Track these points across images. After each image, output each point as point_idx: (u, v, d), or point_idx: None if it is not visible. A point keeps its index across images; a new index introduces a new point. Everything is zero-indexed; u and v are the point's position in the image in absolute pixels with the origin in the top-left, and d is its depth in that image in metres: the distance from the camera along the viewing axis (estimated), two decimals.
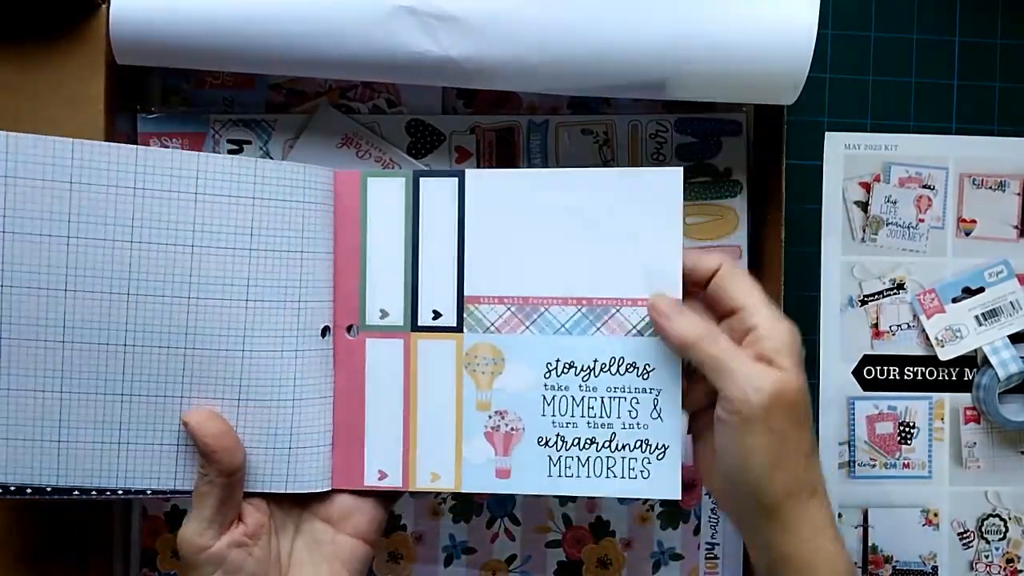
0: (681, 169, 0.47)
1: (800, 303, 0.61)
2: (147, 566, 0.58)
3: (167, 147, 0.56)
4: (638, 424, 0.48)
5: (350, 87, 0.58)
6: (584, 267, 0.48)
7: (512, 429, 0.48)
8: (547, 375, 0.48)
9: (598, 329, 0.48)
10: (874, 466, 0.61)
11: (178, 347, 0.46)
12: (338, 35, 0.51)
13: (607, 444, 0.48)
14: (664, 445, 0.48)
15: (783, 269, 0.56)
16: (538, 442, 0.48)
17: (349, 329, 0.49)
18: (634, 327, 0.48)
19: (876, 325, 0.61)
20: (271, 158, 0.57)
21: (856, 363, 0.61)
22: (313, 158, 0.57)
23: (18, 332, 0.44)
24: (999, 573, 0.62)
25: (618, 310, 0.48)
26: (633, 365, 0.48)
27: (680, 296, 0.47)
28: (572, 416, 0.48)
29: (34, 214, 0.43)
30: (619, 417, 0.48)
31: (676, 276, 0.47)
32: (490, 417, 0.48)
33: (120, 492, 0.46)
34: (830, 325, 0.61)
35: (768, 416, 0.43)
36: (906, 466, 0.62)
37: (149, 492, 0.47)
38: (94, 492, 0.46)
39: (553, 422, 0.48)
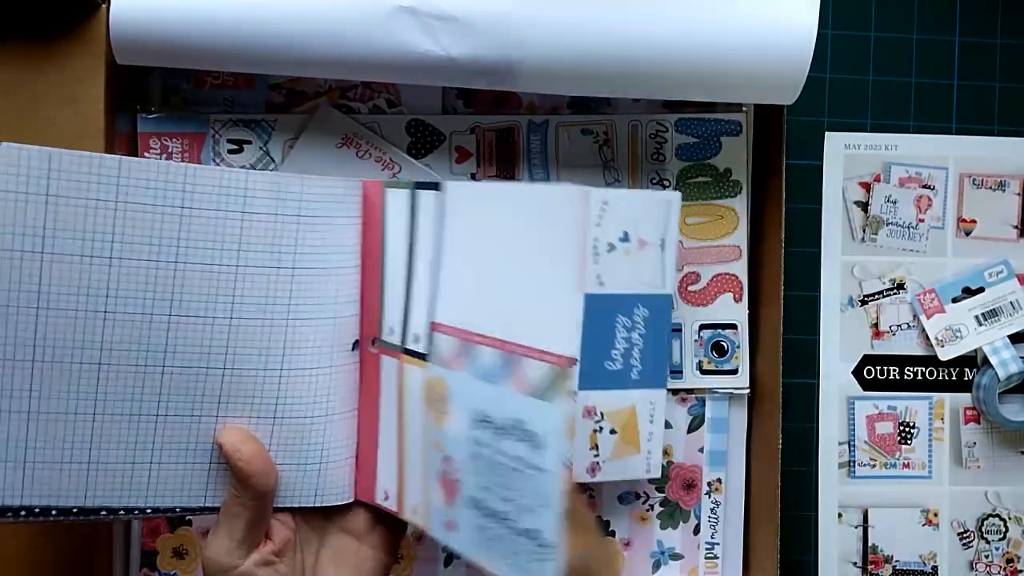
0: (588, 190, 0.39)
1: (800, 303, 0.61)
2: (147, 566, 0.58)
3: (167, 147, 0.56)
4: (530, 507, 0.39)
5: (350, 87, 0.58)
6: (499, 301, 0.41)
7: (454, 479, 0.42)
8: (472, 426, 0.41)
9: (508, 380, 0.40)
10: (874, 466, 0.61)
11: (216, 368, 0.45)
12: (338, 35, 0.51)
13: (506, 521, 0.40)
14: (552, 544, 0.38)
15: (783, 269, 0.56)
16: (470, 502, 0.42)
17: (373, 342, 0.48)
18: (533, 385, 0.39)
19: (876, 325, 0.61)
20: (271, 158, 0.57)
21: (856, 363, 0.61)
22: (313, 158, 0.57)
23: (53, 355, 0.43)
24: (999, 573, 0.62)
25: (524, 359, 0.39)
26: (530, 435, 0.39)
27: (576, 354, 0.38)
28: (488, 480, 0.41)
29: (75, 234, 0.42)
30: (519, 492, 0.39)
31: (572, 329, 0.38)
32: (443, 460, 0.43)
33: (149, 511, 0.46)
34: (830, 325, 0.61)
35: None
36: (906, 466, 0.62)
37: (178, 510, 0.46)
38: (121, 512, 0.45)
39: (476, 483, 0.41)
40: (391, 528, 0.49)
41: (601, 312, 0.50)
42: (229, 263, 0.44)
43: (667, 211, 0.51)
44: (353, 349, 0.48)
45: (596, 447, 0.52)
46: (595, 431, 0.52)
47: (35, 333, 0.42)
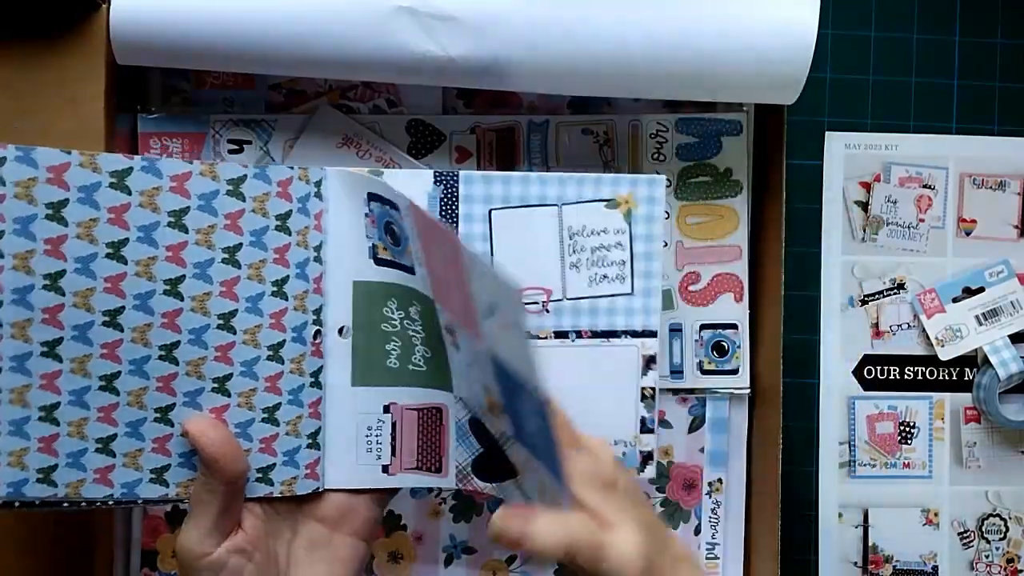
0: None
1: (800, 303, 0.61)
2: (147, 566, 0.58)
3: (167, 147, 0.56)
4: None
5: (350, 87, 0.58)
6: None
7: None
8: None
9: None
10: (874, 466, 0.61)
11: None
12: (338, 35, 0.51)
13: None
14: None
15: (783, 269, 0.56)
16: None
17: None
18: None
19: (876, 325, 0.61)
20: (271, 158, 0.57)
21: (856, 363, 0.61)
22: (313, 158, 0.57)
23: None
24: (999, 573, 0.62)
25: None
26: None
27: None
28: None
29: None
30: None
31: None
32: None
33: (111, 503, 0.46)
34: (830, 325, 0.61)
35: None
36: (906, 466, 0.62)
37: (140, 501, 0.46)
38: (83, 503, 0.45)
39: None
40: (368, 511, 0.49)
41: (511, 387, 0.42)
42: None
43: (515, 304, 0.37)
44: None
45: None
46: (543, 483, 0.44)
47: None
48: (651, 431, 0.51)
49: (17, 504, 0.44)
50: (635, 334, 0.51)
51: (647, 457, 0.51)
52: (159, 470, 0.46)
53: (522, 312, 0.37)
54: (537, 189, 0.50)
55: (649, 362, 0.51)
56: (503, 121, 0.58)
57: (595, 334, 0.51)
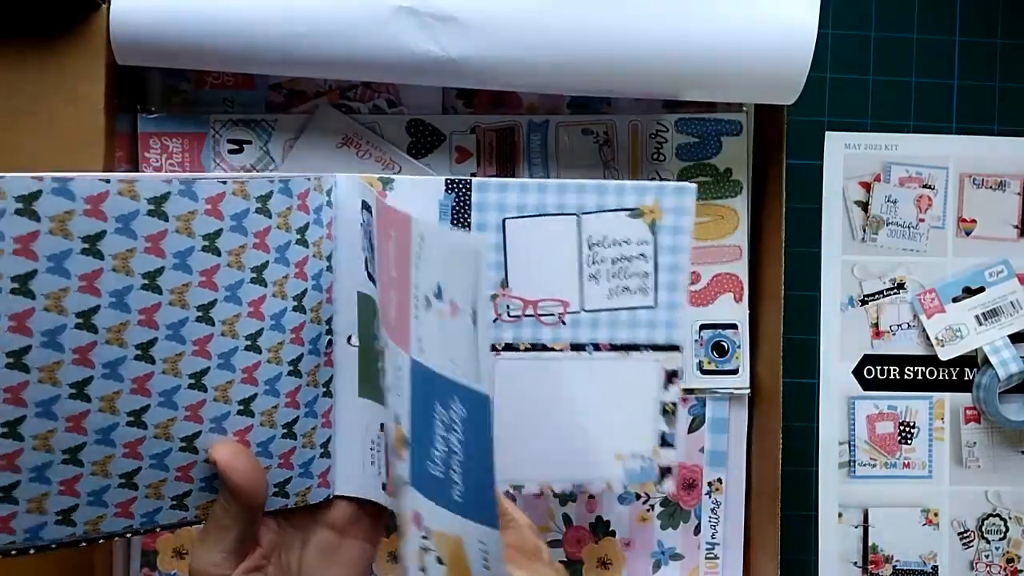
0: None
1: (800, 303, 0.61)
2: (147, 566, 0.58)
3: (167, 147, 0.56)
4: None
5: (350, 87, 0.58)
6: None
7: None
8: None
9: None
10: (874, 466, 0.61)
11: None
12: (338, 35, 0.51)
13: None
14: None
15: (783, 269, 0.56)
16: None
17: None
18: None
19: (876, 325, 0.61)
20: (271, 158, 0.57)
21: (856, 363, 0.61)
22: (313, 158, 0.57)
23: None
24: (999, 573, 0.62)
25: None
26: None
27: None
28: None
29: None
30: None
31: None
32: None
33: (128, 534, 0.44)
34: (830, 325, 0.61)
35: None
36: (906, 466, 0.62)
37: (159, 528, 0.45)
38: (101, 540, 0.44)
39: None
40: (373, 516, 0.49)
41: (423, 389, 0.39)
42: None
43: (475, 266, 0.36)
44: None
45: (424, 571, 0.40)
46: (422, 549, 0.40)
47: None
48: (671, 445, 0.50)
49: (32, 551, 0.42)
50: (657, 347, 0.50)
51: (665, 471, 0.51)
52: (180, 496, 0.45)
53: (483, 276, 0.35)
54: (555, 198, 0.48)
55: (671, 376, 0.50)
56: (503, 121, 0.58)
57: (614, 347, 0.50)
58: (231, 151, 0.57)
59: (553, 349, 0.49)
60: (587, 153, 0.58)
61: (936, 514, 0.62)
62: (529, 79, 0.53)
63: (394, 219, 0.40)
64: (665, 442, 0.50)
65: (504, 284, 0.49)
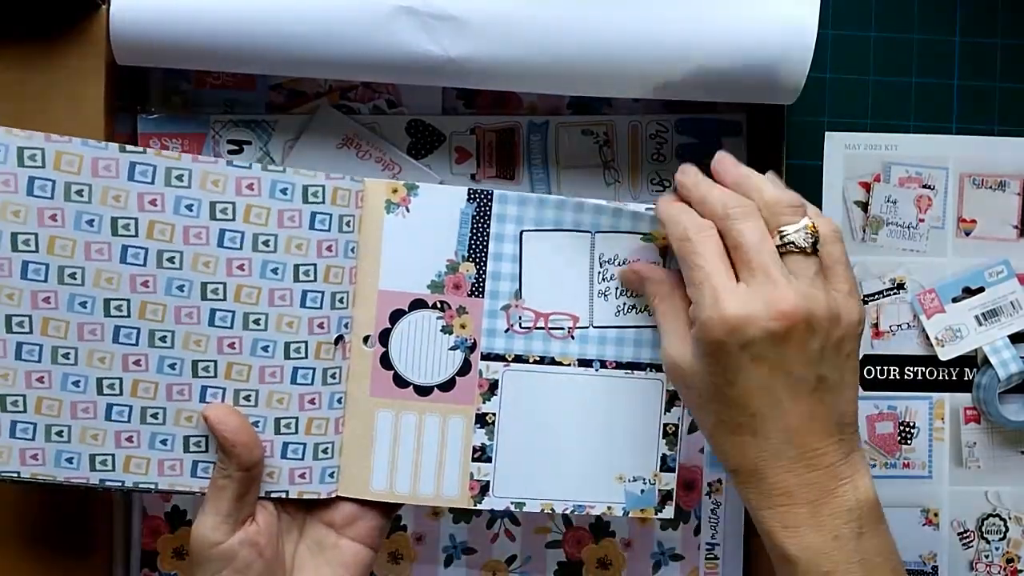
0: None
1: None
2: (147, 566, 0.58)
3: (167, 148, 0.56)
4: None
5: (350, 87, 0.58)
6: None
7: None
8: None
9: None
10: (874, 466, 0.61)
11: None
12: (338, 35, 0.51)
13: None
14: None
15: None
16: None
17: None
18: None
19: (876, 325, 0.61)
20: (271, 159, 0.57)
21: None
22: (313, 159, 0.57)
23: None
24: (999, 573, 0.62)
25: None
26: None
27: None
28: None
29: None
30: None
31: None
32: None
33: (129, 485, 0.47)
34: None
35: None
36: (906, 466, 0.62)
37: (154, 490, 0.47)
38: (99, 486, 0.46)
39: None
40: (376, 520, 0.49)
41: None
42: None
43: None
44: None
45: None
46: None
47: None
48: (672, 470, 0.50)
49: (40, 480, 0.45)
50: (659, 368, 0.49)
51: (666, 496, 0.50)
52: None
53: None
54: (572, 215, 0.49)
55: (673, 397, 0.50)
56: (503, 121, 0.58)
57: (619, 365, 0.50)
58: (231, 152, 0.57)
59: (562, 363, 0.49)
60: (587, 153, 0.58)
61: (936, 514, 0.62)
62: (529, 79, 0.53)
63: None
64: (666, 466, 0.50)
65: (518, 295, 0.49)
